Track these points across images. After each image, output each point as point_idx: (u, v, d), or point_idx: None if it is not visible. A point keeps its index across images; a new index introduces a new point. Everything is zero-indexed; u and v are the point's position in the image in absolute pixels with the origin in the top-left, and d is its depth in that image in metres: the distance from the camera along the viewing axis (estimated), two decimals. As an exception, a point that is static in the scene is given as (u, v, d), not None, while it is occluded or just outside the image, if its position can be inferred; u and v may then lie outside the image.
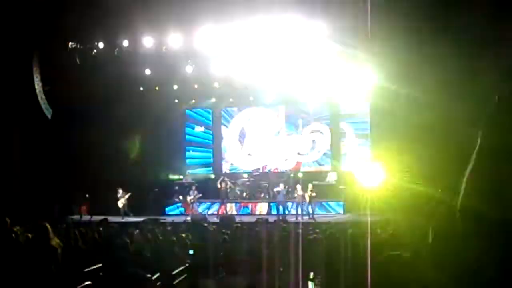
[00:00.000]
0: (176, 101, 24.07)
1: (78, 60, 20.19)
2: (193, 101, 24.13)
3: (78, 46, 20.02)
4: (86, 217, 19.60)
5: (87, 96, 21.40)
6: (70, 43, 19.80)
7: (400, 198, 19.11)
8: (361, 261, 8.16)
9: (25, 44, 18.22)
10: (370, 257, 8.43)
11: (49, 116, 20.63)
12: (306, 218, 18.78)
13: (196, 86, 22.62)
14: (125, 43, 19.79)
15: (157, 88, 22.59)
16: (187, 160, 24.94)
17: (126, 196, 20.26)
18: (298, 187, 19.51)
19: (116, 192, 20.40)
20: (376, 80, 19.99)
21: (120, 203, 20.20)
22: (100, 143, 22.58)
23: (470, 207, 2.17)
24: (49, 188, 20.24)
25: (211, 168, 24.86)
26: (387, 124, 21.17)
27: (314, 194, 19.24)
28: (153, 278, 8.50)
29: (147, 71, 21.12)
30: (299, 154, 23.79)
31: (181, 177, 23.26)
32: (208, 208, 21.70)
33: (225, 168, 24.49)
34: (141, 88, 22.35)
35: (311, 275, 8.74)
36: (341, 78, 21.32)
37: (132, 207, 20.39)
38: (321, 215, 19.46)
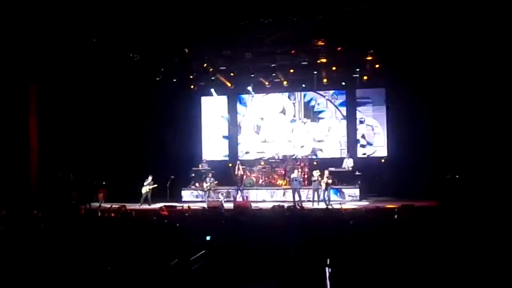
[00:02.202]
0: (192, 87, 24.06)
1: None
2: (212, 89, 24.01)
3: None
4: (104, 204, 19.82)
5: (105, 83, 21.64)
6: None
7: (417, 183, 19.17)
8: (377, 247, 8.17)
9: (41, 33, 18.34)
10: (386, 244, 8.43)
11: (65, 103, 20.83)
12: (322, 204, 18.78)
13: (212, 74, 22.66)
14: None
15: (174, 80, 22.56)
16: (203, 147, 25.00)
17: (152, 187, 20.40)
18: (315, 173, 19.50)
19: (145, 179, 20.58)
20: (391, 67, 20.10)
21: (144, 189, 20.35)
22: (118, 129, 22.83)
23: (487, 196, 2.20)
24: (67, 174, 20.50)
25: (227, 155, 24.92)
26: (403, 110, 21.13)
27: (330, 181, 19.23)
28: (171, 264, 8.59)
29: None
30: (315, 140, 23.75)
31: (199, 165, 23.34)
32: (224, 195, 21.74)
33: (241, 155, 24.53)
34: (157, 79, 22.33)
35: (328, 261, 8.75)
36: (357, 64, 21.27)
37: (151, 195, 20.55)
38: (337, 202, 19.43)
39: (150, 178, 20.58)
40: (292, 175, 20.13)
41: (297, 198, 19.46)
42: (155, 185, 20.45)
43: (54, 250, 6.66)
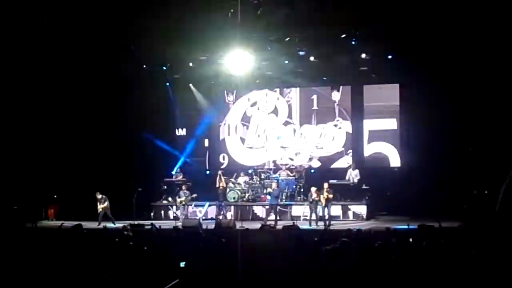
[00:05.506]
0: (168, 84, 23.96)
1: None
2: (190, 84, 24.01)
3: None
4: (55, 222, 19.66)
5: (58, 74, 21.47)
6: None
7: (437, 200, 19.15)
8: (388, 278, 8.13)
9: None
10: (400, 274, 8.39)
11: None
12: (321, 224, 18.74)
13: (191, 64, 22.59)
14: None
15: (144, 66, 22.51)
16: (178, 154, 24.87)
17: (103, 206, 20.18)
18: (312, 190, 19.36)
19: (95, 196, 20.36)
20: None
21: (100, 208, 20.18)
22: (74, 130, 22.62)
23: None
24: (9, 185, 20.29)
25: (206, 163, 24.82)
26: (420, 110, 21.11)
27: (331, 196, 19.14)
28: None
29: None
30: (313, 146, 23.70)
31: (172, 175, 23.24)
32: (203, 211, 21.67)
33: (224, 163, 24.44)
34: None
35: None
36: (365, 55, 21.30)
37: (112, 212, 20.35)
38: (339, 221, 19.39)
39: (99, 195, 20.32)
40: (269, 188, 20.18)
41: (272, 217, 19.45)
42: (104, 205, 20.22)
43: None
